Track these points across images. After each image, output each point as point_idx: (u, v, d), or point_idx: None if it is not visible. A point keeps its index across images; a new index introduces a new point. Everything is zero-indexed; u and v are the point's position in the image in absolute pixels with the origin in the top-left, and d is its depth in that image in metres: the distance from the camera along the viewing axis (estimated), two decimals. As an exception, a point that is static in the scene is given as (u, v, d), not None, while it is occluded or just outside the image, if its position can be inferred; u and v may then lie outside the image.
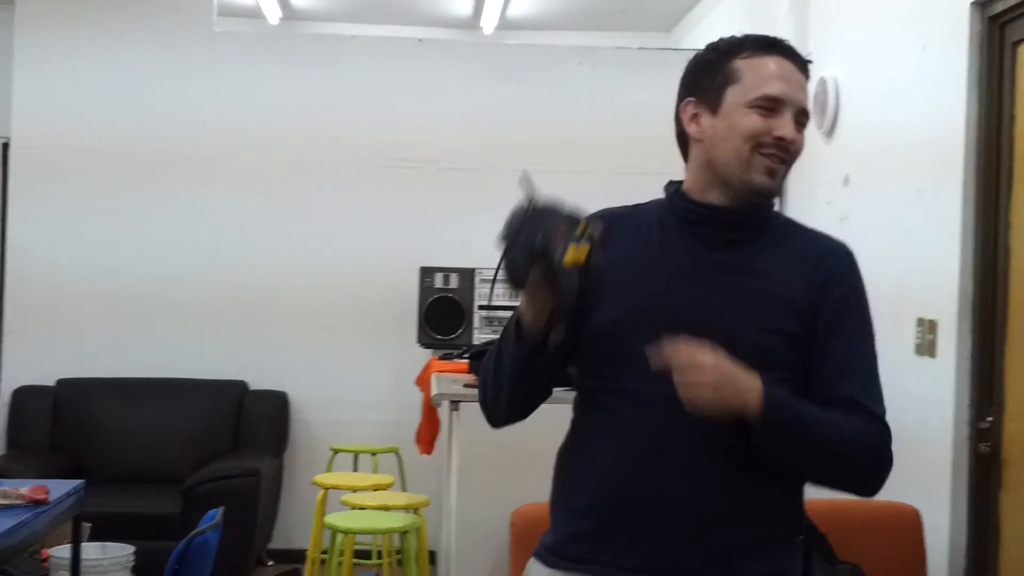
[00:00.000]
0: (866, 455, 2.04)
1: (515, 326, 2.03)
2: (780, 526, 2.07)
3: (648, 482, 2.01)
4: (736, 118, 2.05)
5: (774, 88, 2.05)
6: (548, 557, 2.12)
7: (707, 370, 1.89)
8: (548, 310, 1.96)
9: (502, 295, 2.23)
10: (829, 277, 2.08)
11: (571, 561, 2.07)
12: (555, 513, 2.15)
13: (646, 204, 2.19)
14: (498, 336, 2.15)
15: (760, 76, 2.06)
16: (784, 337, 2.03)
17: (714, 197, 2.08)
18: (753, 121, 2.04)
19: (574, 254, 1.88)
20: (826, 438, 1.98)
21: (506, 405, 2.13)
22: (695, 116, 2.10)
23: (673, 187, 2.15)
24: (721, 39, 2.14)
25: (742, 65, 2.07)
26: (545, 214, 1.91)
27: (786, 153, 2.05)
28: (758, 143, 2.03)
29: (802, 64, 2.11)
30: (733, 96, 2.06)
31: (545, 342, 1.99)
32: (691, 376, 1.89)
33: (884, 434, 2.07)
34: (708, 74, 2.10)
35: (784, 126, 2.04)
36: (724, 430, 1.97)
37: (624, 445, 2.03)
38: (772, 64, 2.07)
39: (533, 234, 1.90)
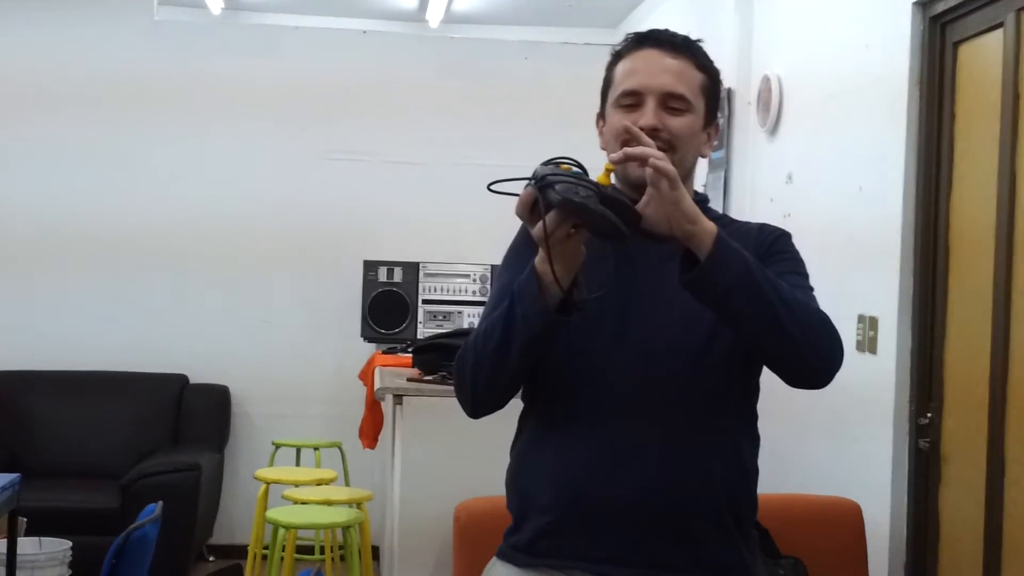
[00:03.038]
0: (817, 321, 1.97)
1: (536, 290, 1.91)
2: (738, 515, 2.10)
3: (609, 473, 2.02)
4: (611, 120, 2.11)
5: (629, 82, 2.09)
6: (515, 555, 2.11)
7: (666, 161, 1.88)
8: (577, 264, 1.91)
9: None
10: (763, 243, 2.12)
11: (540, 556, 2.08)
12: (517, 511, 2.13)
13: None
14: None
15: (622, 74, 2.11)
16: None
17: (633, 196, 2.04)
18: (618, 119, 2.08)
19: (603, 179, 1.88)
20: (775, 289, 1.92)
21: (506, 384, 2.05)
22: (600, 128, 2.18)
23: None
24: (614, 46, 2.19)
25: (617, 68, 2.13)
26: (547, 177, 1.85)
27: (657, 141, 2.01)
28: (624, 141, 2.01)
29: (675, 48, 2.11)
30: (610, 100, 2.13)
31: (567, 302, 1.92)
32: (655, 157, 1.87)
33: (830, 321, 2.01)
34: (603, 84, 2.18)
35: (644, 116, 2.05)
36: (690, 411, 2.02)
37: (583, 438, 2.04)
38: (634, 60, 2.11)
39: (564, 188, 1.83)
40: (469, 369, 2.05)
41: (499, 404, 2.09)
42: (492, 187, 1.94)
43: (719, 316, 1.97)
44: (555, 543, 2.07)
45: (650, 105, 2.06)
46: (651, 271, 2.07)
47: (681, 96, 2.08)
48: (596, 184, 1.85)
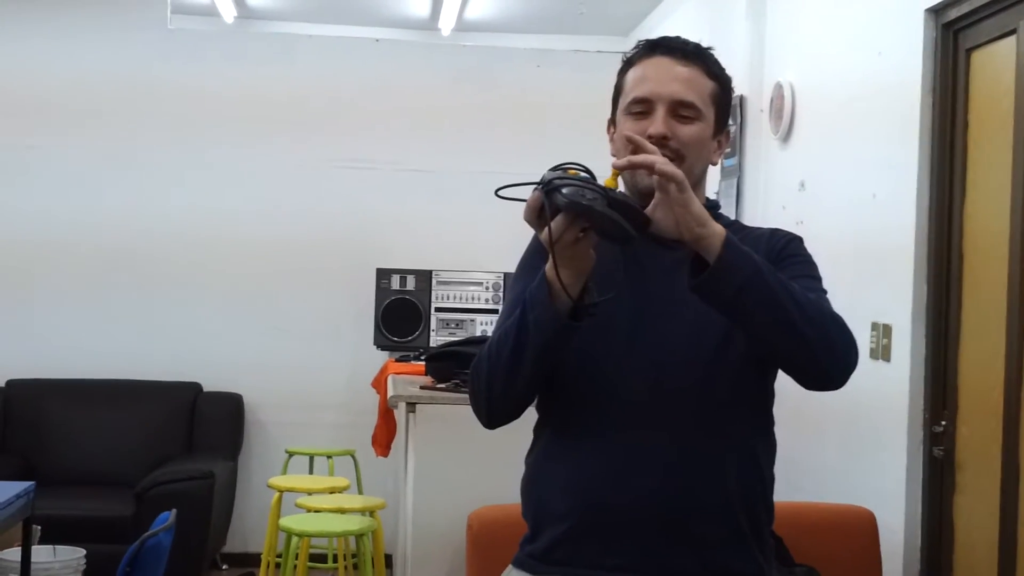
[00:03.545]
0: (830, 322, 1.96)
1: (546, 297, 1.92)
2: (754, 521, 2.09)
3: (624, 481, 2.02)
4: (621, 127, 2.11)
5: (640, 90, 2.09)
6: (531, 563, 2.12)
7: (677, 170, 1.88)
8: (587, 269, 1.91)
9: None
10: (775, 247, 2.12)
11: (555, 564, 2.08)
12: (533, 520, 2.14)
13: None
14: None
15: (633, 81, 2.12)
16: None
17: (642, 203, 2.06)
18: (628, 127, 2.08)
19: (610, 183, 1.88)
20: (786, 290, 1.90)
21: (521, 393, 2.05)
22: (611, 135, 2.18)
23: None
24: (626, 53, 2.20)
25: (628, 75, 2.14)
26: (554, 181, 1.85)
27: (666, 149, 2.02)
28: (632, 150, 2.00)
29: (686, 55, 2.11)
30: (620, 107, 2.14)
31: (577, 308, 1.92)
32: (667, 164, 1.87)
33: (843, 321, 1.99)
34: (614, 91, 2.18)
35: (653, 123, 2.05)
36: (705, 417, 2.02)
37: (601, 445, 2.05)
38: (645, 67, 2.11)
39: (572, 192, 1.83)
40: (484, 378, 2.05)
41: (515, 414, 2.09)
42: (499, 193, 1.94)
43: (730, 319, 1.96)
44: (570, 551, 2.07)
45: (660, 113, 2.06)
46: (663, 278, 2.07)
47: (691, 104, 2.08)
48: (603, 187, 1.85)
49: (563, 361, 2.03)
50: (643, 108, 2.08)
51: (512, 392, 2.05)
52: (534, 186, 1.88)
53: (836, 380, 2.00)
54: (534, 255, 2.14)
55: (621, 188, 1.97)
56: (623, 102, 2.12)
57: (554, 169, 1.88)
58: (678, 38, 2.16)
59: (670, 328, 2.05)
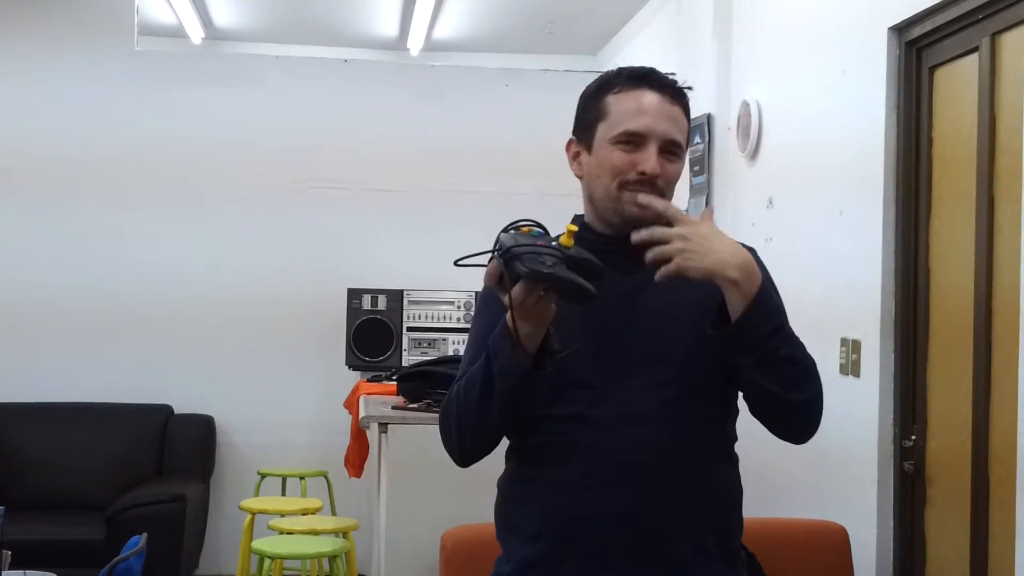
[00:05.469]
0: (814, 372, 2.07)
1: (509, 347, 1.97)
2: (722, 538, 2.13)
3: (591, 503, 2.05)
4: (603, 155, 2.11)
5: (634, 123, 2.09)
6: None
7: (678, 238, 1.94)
8: (547, 321, 1.95)
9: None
10: None
11: None
12: (506, 543, 2.16)
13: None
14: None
15: (623, 112, 2.11)
16: (709, 337, 2.06)
17: (604, 228, 2.14)
18: (616, 157, 2.09)
19: (565, 241, 1.90)
20: (794, 339, 2.02)
21: (492, 434, 2.10)
22: (576, 155, 2.18)
23: (579, 220, 2.18)
24: (599, 75, 2.21)
25: (611, 101, 2.13)
26: (512, 249, 1.88)
27: (652, 186, 2.07)
28: (623, 180, 2.07)
29: (674, 94, 2.14)
30: (602, 132, 2.12)
31: (541, 357, 1.97)
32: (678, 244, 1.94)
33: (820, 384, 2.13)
34: (585, 112, 2.18)
35: (647, 160, 2.07)
36: (667, 439, 2.05)
37: (569, 468, 2.07)
38: (637, 99, 2.11)
39: (528, 260, 1.87)
40: (454, 423, 2.10)
41: (486, 451, 2.14)
42: (459, 263, 1.98)
43: (748, 362, 1.99)
44: (542, 572, 2.09)
45: (652, 150, 2.08)
46: (624, 303, 2.10)
47: (679, 144, 2.12)
48: (560, 248, 1.88)
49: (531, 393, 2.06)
50: (634, 141, 2.09)
51: (482, 435, 2.10)
52: (491, 253, 1.91)
53: (805, 440, 2.13)
54: (493, 292, 2.15)
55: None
56: (609, 130, 2.11)
57: (507, 229, 1.91)
58: (660, 73, 2.18)
59: (632, 353, 2.08)
